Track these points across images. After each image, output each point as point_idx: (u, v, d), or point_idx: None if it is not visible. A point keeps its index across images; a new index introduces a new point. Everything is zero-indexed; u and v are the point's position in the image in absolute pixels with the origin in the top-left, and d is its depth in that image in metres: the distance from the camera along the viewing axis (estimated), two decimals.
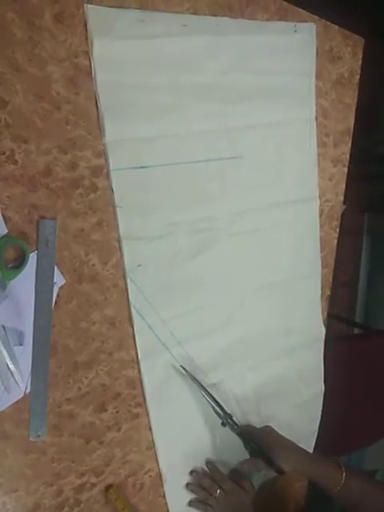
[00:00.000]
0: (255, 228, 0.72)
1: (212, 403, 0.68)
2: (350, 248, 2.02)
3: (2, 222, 0.51)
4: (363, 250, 2.03)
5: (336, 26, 0.76)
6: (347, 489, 0.65)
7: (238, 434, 0.70)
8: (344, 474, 0.65)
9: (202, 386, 0.67)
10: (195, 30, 0.61)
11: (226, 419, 0.69)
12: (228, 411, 0.70)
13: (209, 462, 0.76)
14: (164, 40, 0.59)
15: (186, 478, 0.74)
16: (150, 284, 0.63)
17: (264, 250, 0.74)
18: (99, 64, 0.54)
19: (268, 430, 0.71)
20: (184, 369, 0.67)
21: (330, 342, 0.89)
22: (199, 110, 0.63)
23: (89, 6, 0.53)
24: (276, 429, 0.72)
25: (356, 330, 1.72)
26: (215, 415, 0.69)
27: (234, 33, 0.64)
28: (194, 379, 0.67)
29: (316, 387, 0.88)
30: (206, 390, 0.67)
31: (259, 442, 0.69)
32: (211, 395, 0.68)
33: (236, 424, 0.70)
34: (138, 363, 0.65)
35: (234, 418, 0.70)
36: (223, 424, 0.69)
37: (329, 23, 0.75)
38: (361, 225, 2.02)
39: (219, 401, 0.69)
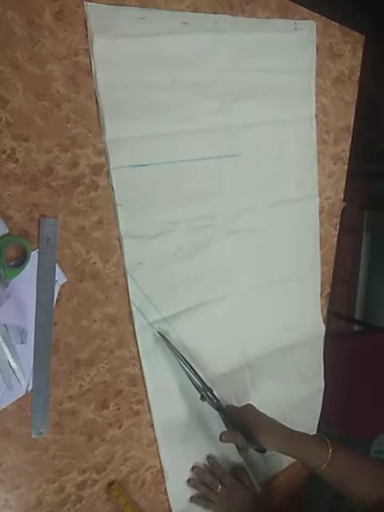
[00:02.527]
0: (255, 226, 0.72)
1: (192, 376, 0.65)
2: (350, 245, 2.02)
3: (2, 221, 0.51)
4: (363, 247, 2.03)
5: (336, 24, 0.76)
6: (334, 465, 0.62)
7: (217, 408, 0.67)
8: (330, 450, 0.62)
9: (182, 357, 0.65)
10: (195, 27, 0.61)
11: (206, 392, 0.66)
12: (208, 385, 0.67)
13: (210, 458, 0.76)
14: (164, 38, 0.58)
15: (188, 474, 0.75)
16: (151, 282, 0.63)
17: (264, 247, 0.74)
18: (99, 62, 0.54)
19: (249, 408, 0.68)
20: (163, 337, 0.65)
21: (330, 338, 0.89)
22: (199, 108, 0.63)
23: (89, 3, 0.53)
24: None
25: (355, 327, 1.73)
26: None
27: (234, 30, 0.64)
28: (175, 350, 0.65)
29: (316, 384, 0.89)
30: (187, 362, 0.65)
31: (240, 419, 0.66)
32: (191, 367, 0.65)
33: (216, 398, 0.67)
34: (139, 360, 0.65)
35: (214, 393, 0.67)
36: (202, 398, 0.66)
37: (329, 20, 0.75)
38: (361, 222, 2.03)
39: (199, 374, 0.66)
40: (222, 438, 0.65)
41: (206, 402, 0.66)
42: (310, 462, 0.63)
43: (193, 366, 0.65)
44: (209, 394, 0.66)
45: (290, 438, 0.65)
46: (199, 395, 0.66)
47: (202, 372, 0.68)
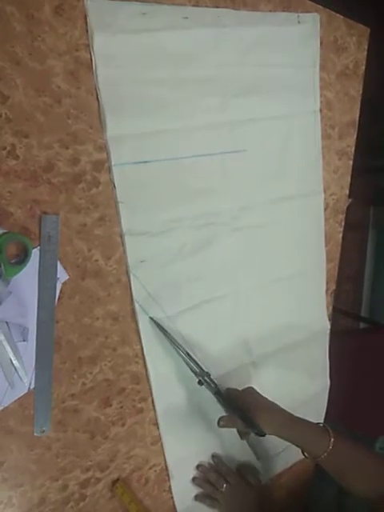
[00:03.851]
0: (259, 223, 0.71)
1: (188, 360, 0.64)
2: (356, 241, 2.00)
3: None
4: (369, 243, 2.02)
5: (340, 16, 0.75)
6: (335, 455, 0.60)
7: (214, 393, 0.65)
8: (332, 440, 0.60)
9: (177, 343, 0.64)
10: (197, 22, 0.60)
11: (203, 377, 0.65)
12: (205, 369, 0.65)
13: (215, 456, 0.76)
14: (165, 33, 0.58)
15: (193, 473, 0.74)
16: (154, 280, 0.63)
17: (268, 244, 0.73)
18: (100, 58, 0.53)
19: (250, 391, 0.67)
20: (157, 323, 0.63)
21: (336, 336, 0.89)
22: (201, 103, 0.62)
23: None
24: None
25: (361, 325, 1.71)
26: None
27: (236, 24, 0.63)
28: (169, 336, 0.63)
29: (321, 382, 0.88)
30: (182, 348, 0.64)
31: (240, 402, 0.64)
32: (187, 352, 0.64)
33: (214, 382, 0.65)
34: (142, 358, 0.65)
35: (211, 377, 0.66)
36: (200, 383, 0.64)
37: (333, 13, 0.74)
38: (366, 218, 2.01)
39: (196, 358, 0.65)
40: (220, 422, 0.62)
41: (204, 387, 0.65)
42: (310, 449, 0.61)
43: (189, 351, 0.64)
44: (206, 378, 0.65)
45: (290, 422, 0.63)
46: (196, 380, 0.64)
47: (197, 356, 0.66)
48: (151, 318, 0.64)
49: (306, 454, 0.63)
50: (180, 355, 0.64)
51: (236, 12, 0.64)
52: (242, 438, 0.68)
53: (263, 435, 0.62)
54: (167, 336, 0.64)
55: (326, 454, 0.60)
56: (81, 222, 0.56)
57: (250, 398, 0.65)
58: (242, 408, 0.63)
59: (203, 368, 0.65)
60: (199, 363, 0.65)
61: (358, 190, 1.04)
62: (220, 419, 0.63)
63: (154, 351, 0.65)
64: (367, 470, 0.62)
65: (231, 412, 0.64)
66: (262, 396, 0.66)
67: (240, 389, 0.68)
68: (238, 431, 0.68)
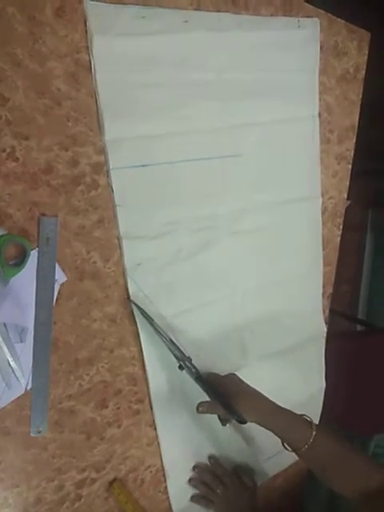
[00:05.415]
0: (256, 226, 0.71)
1: (169, 345, 0.62)
2: (354, 244, 2.01)
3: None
4: (367, 245, 2.02)
5: (342, 21, 0.75)
6: (315, 449, 0.58)
7: (195, 378, 0.63)
8: (314, 433, 0.58)
9: (158, 326, 0.62)
10: (196, 26, 0.60)
11: (184, 362, 0.63)
12: (186, 354, 0.64)
13: (211, 458, 0.76)
14: (165, 37, 0.58)
15: (189, 474, 0.75)
16: (151, 283, 0.63)
17: (265, 248, 0.73)
18: (99, 61, 0.53)
19: (232, 377, 0.66)
20: (137, 306, 0.61)
21: (332, 338, 0.89)
22: (200, 107, 0.62)
23: (89, 1, 0.52)
24: None
25: (358, 327, 1.72)
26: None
27: (236, 29, 0.63)
28: (150, 320, 0.61)
29: (317, 385, 0.88)
30: (163, 331, 0.62)
31: (222, 388, 0.63)
32: (168, 336, 0.62)
33: (194, 367, 0.64)
34: (139, 360, 0.65)
35: (192, 362, 0.64)
36: (180, 367, 0.63)
37: (334, 17, 0.74)
38: (365, 220, 2.01)
39: (176, 342, 0.63)
40: (200, 408, 0.61)
41: (184, 372, 0.63)
42: (291, 440, 0.60)
43: (171, 336, 0.63)
44: (187, 363, 0.63)
45: (272, 410, 0.62)
46: (177, 365, 0.63)
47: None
48: (130, 300, 0.62)
49: (285, 444, 0.61)
50: (162, 340, 0.62)
51: (237, 16, 0.64)
52: (222, 424, 0.67)
53: (244, 422, 0.60)
54: (149, 321, 0.62)
55: (306, 447, 0.58)
56: (79, 224, 0.56)
57: (231, 384, 0.64)
58: (223, 394, 0.62)
59: (185, 353, 0.64)
60: (181, 348, 0.63)
61: (357, 192, 1.04)
62: (199, 404, 0.61)
63: (153, 353, 0.65)
64: (348, 467, 0.60)
65: (212, 398, 0.63)
66: (245, 383, 0.65)
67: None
68: (219, 418, 0.67)
